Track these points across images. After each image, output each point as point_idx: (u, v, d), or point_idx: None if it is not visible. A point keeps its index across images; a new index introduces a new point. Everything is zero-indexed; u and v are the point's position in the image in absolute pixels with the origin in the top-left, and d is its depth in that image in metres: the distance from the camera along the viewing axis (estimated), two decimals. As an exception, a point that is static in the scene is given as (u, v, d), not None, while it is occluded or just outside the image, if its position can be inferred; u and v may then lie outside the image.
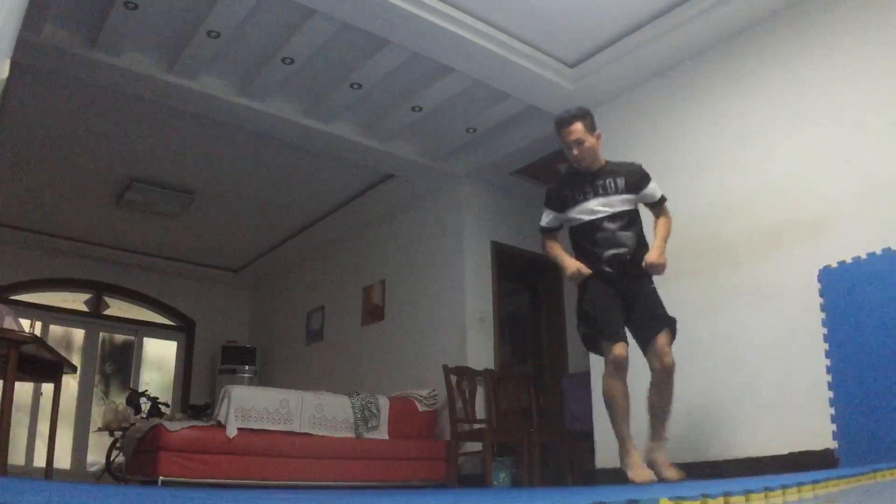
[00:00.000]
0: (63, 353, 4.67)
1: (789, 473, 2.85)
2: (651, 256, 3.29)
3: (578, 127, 3.26)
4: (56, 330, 8.24)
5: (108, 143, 6.02)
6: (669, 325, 3.26)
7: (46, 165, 6.37)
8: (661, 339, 3.19)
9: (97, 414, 8.00)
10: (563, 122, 3.29)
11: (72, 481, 5.79)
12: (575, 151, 3.29)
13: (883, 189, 3.59)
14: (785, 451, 3.66)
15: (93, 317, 8.56)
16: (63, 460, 7.46)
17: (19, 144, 5.92)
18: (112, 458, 6.73)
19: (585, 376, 4.99)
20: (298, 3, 4.24)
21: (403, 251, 7.00)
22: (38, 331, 7.63)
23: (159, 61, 4.86)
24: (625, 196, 3.36)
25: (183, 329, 9.24)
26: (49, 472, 4.32)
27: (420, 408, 5.73)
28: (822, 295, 3.70)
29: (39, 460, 6.84)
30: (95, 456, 7.78)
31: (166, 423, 4.65)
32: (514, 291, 7.10)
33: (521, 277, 7.03)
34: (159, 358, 9.10)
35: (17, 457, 7.00)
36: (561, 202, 3.42)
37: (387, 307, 7.02)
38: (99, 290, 8.61)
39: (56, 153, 6.16)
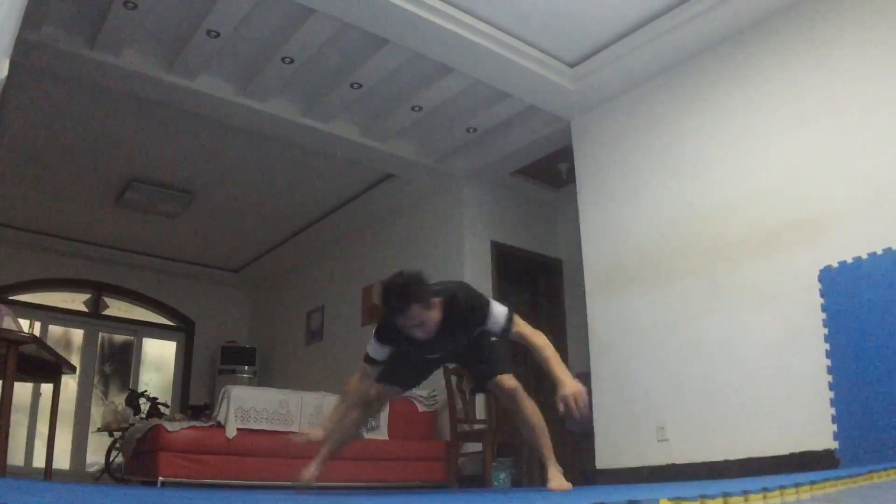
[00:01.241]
0: (62, 354, 4.67)
1: (789, 474, 2.85)
2: (567, 388, 2.55)
3: (416, 309, 2.59)
4: (55, 330, 8.24)
5: (108, 143, 6.02)
6: (510, 370, 2.97)
7: (46, 165, 6.37)
8: (503, 377, 2.93)
9: (96, 414, 8.00)
10: (399, 311, 2.61)
11: (71, 482, 5.79)
12: (419, 334, 2.65)
13: (883, 189, 3.58)
14: (785, 452, 3.66)
15: (92, 317, 8.55)
16: (62, 461, 7.45)
17: (19, 144, 5.92)
18: (111, 459, 6.73)
19: (586, 377, 4.97)
20: (298, 3, 4.24)
21: (403, 251, 6.99)
22: (37, 331, 7.62)
23: (159, 61, 4.85)
24: (466, 340, 2.87)
25: (182, 329, 9.23)
26: (48, 472, 4.31)
27: (420, 408, 5.72)
28: (822, 295, 3.69)
29: (39, 461, 6.83)
30: (95, 456, 7.77)
31: (166, 424, 4.65)
32: (514, 291, 7.09)
33: (521, 277, 7.02)
34: (159, 358, 9.10)
35: (16, 457, 6.99)
36: (397, 342, 2.83)
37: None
38: (98, 290, 8.61)
39: (56, 153, 6.16)
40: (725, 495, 1.16)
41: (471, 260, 6.28)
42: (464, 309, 2.72)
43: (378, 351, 2.87)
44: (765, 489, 1.28)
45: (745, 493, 1.21)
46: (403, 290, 2.60)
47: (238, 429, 4.70)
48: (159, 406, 7.41)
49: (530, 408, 2.90)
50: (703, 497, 1.11)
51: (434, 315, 2.64)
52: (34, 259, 7.95)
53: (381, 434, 5.36)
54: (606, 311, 4.89)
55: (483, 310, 2.75)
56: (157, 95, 5.16)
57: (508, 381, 2.90)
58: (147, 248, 8.50)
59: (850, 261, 3.62)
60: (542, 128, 5.68)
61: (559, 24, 4.55)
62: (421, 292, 2.61)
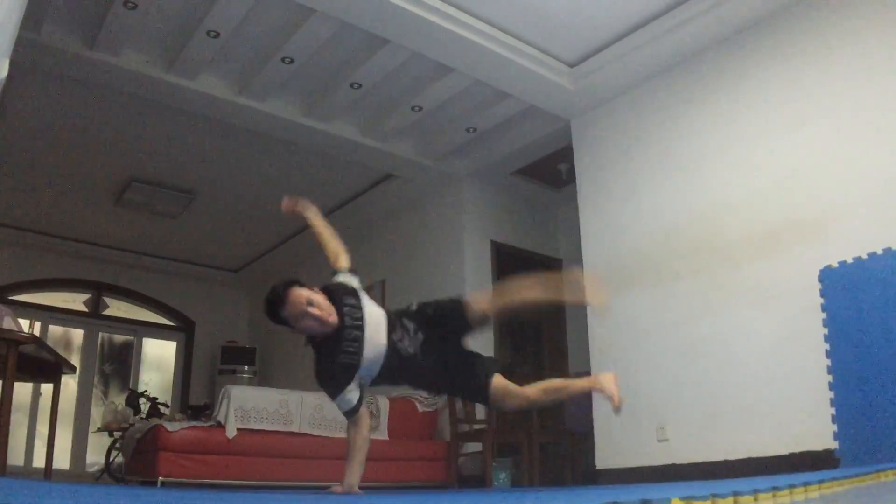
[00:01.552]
0: (62, 354, 4.66)
1: (790, 474, 2.85)
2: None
3: (296, 291, 2.50)
4: (55, 330, 8.24)
5: (108, 143, 6.02)
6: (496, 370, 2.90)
7: (46, 165, 6.37)
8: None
9: (96, 414, 7.99)
10: (282, 299, 2.51)
11: (71, 482, 5.78)
12: (317, 311, 2.49)
13: (883, 189, 3.59)
14: (785, 452, 3.66)
15: (92, 317, 8.55)
16: (62, 461, 7.45)
17: (19, 144, 5.91)
18: (111, 459, 6.72)
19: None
20: (298, 3, 4.24)
21: (403, 251, 6.99)
22: (37, 331, 7.61)
23: (159, 61, 4.85)
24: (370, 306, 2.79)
25: (182, 329, 9.23)
26: (48, 472, 4.31)
27: (420, 408, 5.72)
28: (822, 295, 3.70)
29: (39, 461, 6.83)
30: (95, 456, 7.77)
31: (166, 424, 4.65)
32: (513, 291, 7.08)
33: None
34: (159, 358, 9.10)
35: (16, 457, 6.99)
36: (345, 374, 2.59)
37: (387, 307, 6.98)
38: (98, 290, 8.60)
39: (56, 153, 6.15)
40: (736, 494, 1.17)
41: (471, 260, 6.28)
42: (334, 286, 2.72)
43: (346, 399, 2.57)
44: (775, 488, 1.28)
45: (756, 491, 1.22)
46: (276, 286, 2.57)
47: (238, 429, 4.70)
48: (159, 406, 7.40)
49: (539, 391, 2.80)
50: (715, 496, 1.12)
51: (318, 296, 2.53)
52: (34, 259, 7.94)
53: (381, 434, 5.36)
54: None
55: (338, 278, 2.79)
56: (157, 95, 5.16)
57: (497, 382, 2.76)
58: (147, 248, 8.49)
59: (850, 261, 3.63)
60: (542, 128, 5.68)
61: (559, 23, 4.56)
62: (290, 279, 2.61)
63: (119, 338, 8.83)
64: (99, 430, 7.31)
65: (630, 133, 5.00)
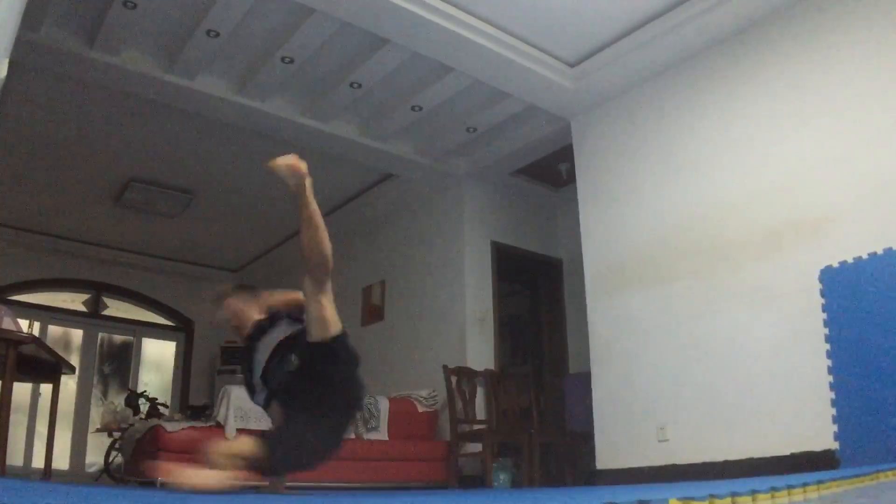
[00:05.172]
0: (61, 354, 4.66)
1: (791, 474, 2.84)
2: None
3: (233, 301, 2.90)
4: (55, 330, 8.23)
5: (108, 143, 6.01)
6: None
7: (46, 165, 6.36)
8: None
9: (96, 415, 7.98)
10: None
11: (70, 482, 5.78)
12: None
13: (883, 189, 3.59)
14: (786, 452, 3.66)
15: (91, 317, 8.54)
16: (61, 461, 7.44)
17: (19, 144, 5.91)
18: (111, 459, 6.72)
19: (585, 376, 4.99)
20: (298, 2, 4.23)
21: (403, 251, 6.99)
22: (36, 331, 7.59)
23: (158, 61, 4.85)
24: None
25: (182, 329, 9.23)
26: (48, 472, 4.31)
27: (420, 408, 5.72)
28: (823, 295, 3.69)
29: (38, 461, 6.82)
30: (94, 457, 7.77)
31: (165, 424, 4.64)
32: (514, 291, 7.10)
33: (521, 277, 7.03)
34: (158, 358, 9.09)
35: (15, 458, 6.98)
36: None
37: (387, 307, 7.01)
38: (98, 290, 8.60)
39: (56, 153, 6.15)
40: (734, 495, 1.16)
41: (471, 260, 6.28)
42: None
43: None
44: (773, 488, 1.28)
45: (754, 492, 1.21)
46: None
47: (238, 429, 4.69)
48: (158, 406, 7.40)
49: None
50: (713, 497, 1.11)
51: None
52: (34, 259, 7.94)
53: (381, 434, 5.36)
54: (606, 311, 4.89)
55: None
56: (157, 95, 5.15)
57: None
58: (147, 248, 8.49)
59: (850, 261, 3.62)
60: (542, 128, 5.68)
61: (559, 23, 4.55)
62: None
63: (118, 338, 8.82)
64: (98, 430, 7.31)
65: (630, 133, 5.00)
